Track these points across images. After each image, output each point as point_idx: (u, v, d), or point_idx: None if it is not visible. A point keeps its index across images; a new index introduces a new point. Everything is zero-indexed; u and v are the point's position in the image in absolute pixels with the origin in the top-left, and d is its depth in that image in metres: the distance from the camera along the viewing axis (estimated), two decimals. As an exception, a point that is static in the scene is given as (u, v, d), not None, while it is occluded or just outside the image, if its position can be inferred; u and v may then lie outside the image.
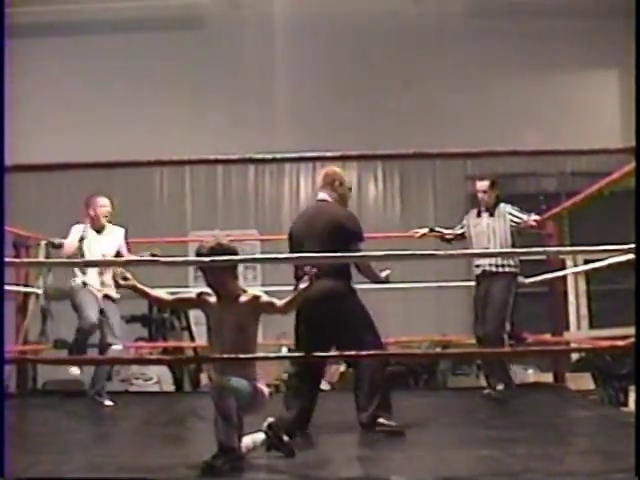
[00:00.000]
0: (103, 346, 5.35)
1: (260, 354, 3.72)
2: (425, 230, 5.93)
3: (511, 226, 5.40)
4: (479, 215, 5.55)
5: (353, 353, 3.96)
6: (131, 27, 9.41)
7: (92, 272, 5.36)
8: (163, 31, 9.48)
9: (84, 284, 5.32)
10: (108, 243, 5.42)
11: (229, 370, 3.25)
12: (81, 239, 5.32)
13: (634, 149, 3.07)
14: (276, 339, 7.23)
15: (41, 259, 5.75)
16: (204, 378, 7.32)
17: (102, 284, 5.36)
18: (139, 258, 4.60)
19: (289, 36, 9.52)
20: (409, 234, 6.00)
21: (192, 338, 7.61)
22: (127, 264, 4.67)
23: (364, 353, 3.83)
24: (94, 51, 9.52)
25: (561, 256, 7.23)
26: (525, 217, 5.44)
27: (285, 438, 3.33)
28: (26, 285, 6.17)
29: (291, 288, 3.50)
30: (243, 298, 3.34)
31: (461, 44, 9.43)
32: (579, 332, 8.87)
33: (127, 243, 5.55)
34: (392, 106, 9.32)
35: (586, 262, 6.98)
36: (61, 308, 5.88)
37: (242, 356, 3.24)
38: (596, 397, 6.69)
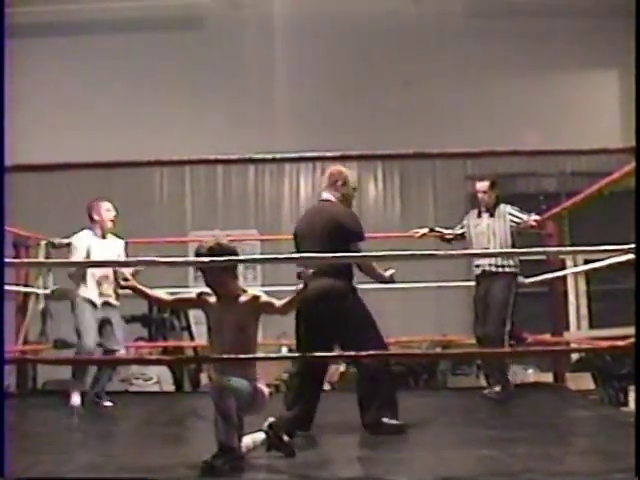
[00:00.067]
0: (106, 353, 5.34)
1: (260, 354, 3.72)
2: (425, 230, 5.94)
3: (511, 226, 5.41)
4: (479, 215, 5.55)
5: (353, 353, 3.95)
6: (131, 27, 9.42)
7: (91, 282, 5.28)
8: (163, 31, 9.48)
9: (87, 300, 5.25)
10: (111, 250, 5.37)
11: (229, 370, 3.24)
12: (87, 255, 5.22)
13: (634, 149, 3.07)
14: (276, 339, 7.24)
15: (41, 259, 5.75)
16: (204, 378, 7.31)
17: (100, 295, 5.30)
18: (139, 258, 4.59)
19: (289, 36, 9.52)
20: (409, 234, 6.01)
21: (192, 338, 7.62)
22: (127, 264, 4.68)
23: (364, 353, 3.82)
24: (94, 51, 9.52)
25: (561, 256, 7.22)
26: (525, 217, 5.44)
27: (285, 438, 3.33)
28: (26, 285, 6.18)
29: (291, 288, 3.50)
30: (243, 298, 3.33)
31: (461, 44, 9.43)
32: (579, 332, 8.86)
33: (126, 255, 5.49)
34: (392, 106, 9.32)
35: (586, 262, 6.98)
36: (61, 308, 5.88)
37: (242, 356, 3.24)
38: (596, 397, 6.68)
